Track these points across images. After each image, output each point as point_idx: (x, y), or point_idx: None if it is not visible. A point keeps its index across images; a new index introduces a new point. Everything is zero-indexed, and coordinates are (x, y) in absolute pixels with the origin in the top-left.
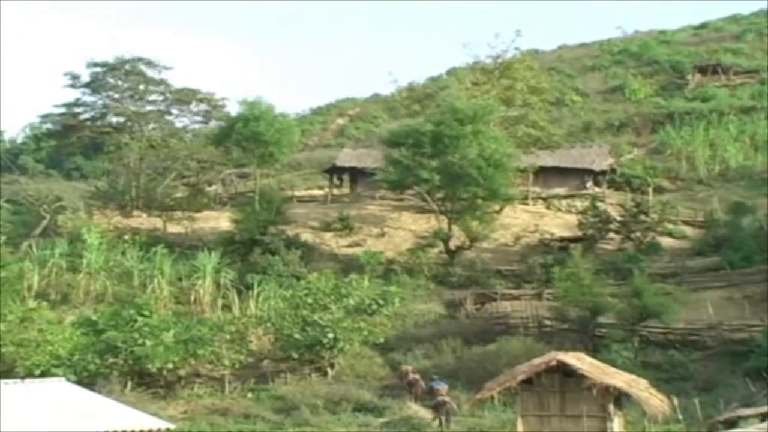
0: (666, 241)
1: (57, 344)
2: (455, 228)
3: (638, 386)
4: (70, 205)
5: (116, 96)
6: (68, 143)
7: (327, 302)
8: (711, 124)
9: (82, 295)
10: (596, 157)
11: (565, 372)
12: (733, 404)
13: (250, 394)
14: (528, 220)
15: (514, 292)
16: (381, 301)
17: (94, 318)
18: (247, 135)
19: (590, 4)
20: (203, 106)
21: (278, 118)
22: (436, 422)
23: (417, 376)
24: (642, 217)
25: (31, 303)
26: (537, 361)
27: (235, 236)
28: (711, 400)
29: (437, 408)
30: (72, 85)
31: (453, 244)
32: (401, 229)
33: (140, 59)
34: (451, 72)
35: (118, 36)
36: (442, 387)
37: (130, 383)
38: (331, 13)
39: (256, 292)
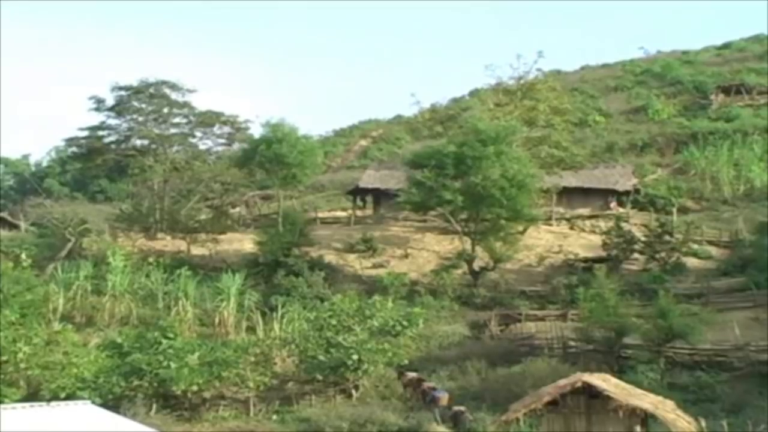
0: (691, 262)
1: (82, 367)
2: (479, 249)
3: (665, 408)
4: (94, 228)
5: (140, 119)
6: (93, 166)
7: (351, 324)
8: (735, 144)
9: (107, 318)
10: (620, 177)
11: (591, 393)
12: (761, 426)
13: (275, 417)
14: (552, 240)
15: (539, 313)
16: (405, 323)
17: (119, 340)
18: (270, 157)
19: (613, 25)
20: (227, 129)
21: (301, 140)
22: None
23: (431, 384)
24: (666, 237)
25: (57, 325)
26: (562, 382)
27: (258, 258)
28: (738, 422)
29: (455, 418)
30: (97, 109)
31: (477, 265)
32: (425, 250)
33: (164, 82)
34: (474, 93)
35: (143, 59)
36: (443, 395)
37: (155, 406)
38: (354, 35)
39: (280, 313)
